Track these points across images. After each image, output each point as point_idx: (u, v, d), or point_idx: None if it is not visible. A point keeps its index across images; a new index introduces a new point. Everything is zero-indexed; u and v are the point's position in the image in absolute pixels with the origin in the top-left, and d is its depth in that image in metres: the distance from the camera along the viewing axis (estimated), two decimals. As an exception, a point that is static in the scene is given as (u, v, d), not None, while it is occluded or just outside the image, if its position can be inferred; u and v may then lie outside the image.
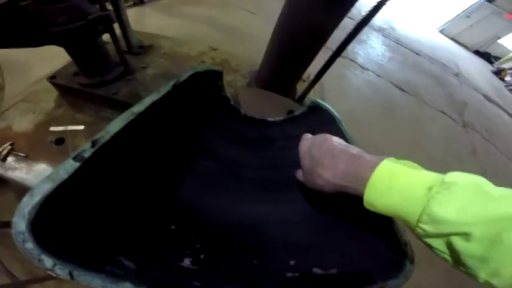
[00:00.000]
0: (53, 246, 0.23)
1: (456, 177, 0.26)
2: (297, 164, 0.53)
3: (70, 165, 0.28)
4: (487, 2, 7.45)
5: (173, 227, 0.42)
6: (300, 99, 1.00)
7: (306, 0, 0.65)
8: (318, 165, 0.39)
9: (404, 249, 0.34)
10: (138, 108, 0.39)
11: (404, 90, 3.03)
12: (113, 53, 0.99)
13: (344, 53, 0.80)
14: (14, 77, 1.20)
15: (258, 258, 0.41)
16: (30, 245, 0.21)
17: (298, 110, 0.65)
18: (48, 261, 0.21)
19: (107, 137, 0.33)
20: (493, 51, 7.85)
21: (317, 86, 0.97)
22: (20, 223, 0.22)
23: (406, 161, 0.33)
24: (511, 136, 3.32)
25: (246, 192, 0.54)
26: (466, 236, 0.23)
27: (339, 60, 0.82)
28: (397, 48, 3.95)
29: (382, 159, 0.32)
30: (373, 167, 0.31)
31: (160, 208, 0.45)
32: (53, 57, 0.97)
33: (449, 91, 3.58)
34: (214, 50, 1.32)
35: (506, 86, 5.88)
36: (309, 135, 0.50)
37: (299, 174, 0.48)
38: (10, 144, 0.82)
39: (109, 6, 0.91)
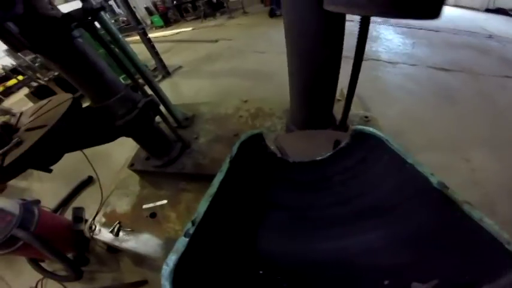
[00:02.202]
0: None
1: None
2: (360, 195, 0.56)
3: (183, 240, 0.39)
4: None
5: (261, 272, 0.50)
6: (343, 123, 1.01)
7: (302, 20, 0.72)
8: None
9: (507, 248, 0.33)
10: (212, 190, 0.51)
11: (449, 70, 2.69)
12: (166, 131, 1.19)
13: (366, 56, 0.79)
14: (101, 166, 1.54)
15: (348, 285, 0.45)
16: None
17: (344, 141, 0.67)
18: None
19: (200, 216, 0.44)
20: (502, 4, 6.64)
21: (356, 100, 0.97)
22: (166, 285, 0.33)
23: None
24: None
25: (320, 230, 0.58)
26: None
27: (364, 65, 0.81)
28: (413, 32, 3.66)
29: None
30: None
31: (249, 259, 0.53)
32: (123, 142, 1.16)
33: (496, 55, 3.04)
34: (245, 102, 1.47)
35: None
36: None
37: None
38: (118, 223, 1.09)
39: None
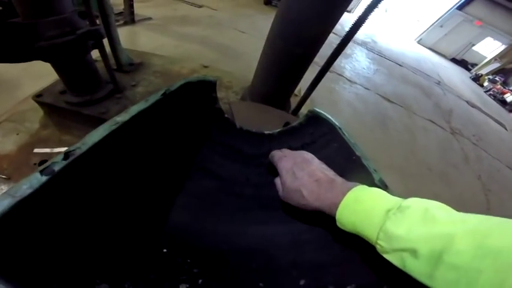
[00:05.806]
0: (9, 273, 0.19)
1: (412, 202, 0.31)
2: None
3: (36, 180, 0.23)
4: (457, 10, 7.86)
5: (165, 250, 0.38)
6: (295, 112, 0.99)
7: (297, 10, 0.67)
8: (302, 187, 0.42)
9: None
10: (123, 117, 0.34)
11: (393, 102, 3.11)
12: (102, 71, 0.97)
13: (332, 68, 0.82)
14: (3, 97, 1.16)
15: (264, 281, 0.38)
16: None
17: (296, 121, 0.62)
18: None
19: (84, 149, 0.28)
20: (469, 58, 8.25)
21: (308, 101, 0.98)
22: None
23: (374, 188, 0.37)
24: (498, 140, 3.42)
25: (251, 211, 0.50)
26: (413, 252, 0.27)
27: (327, 75, 0.83)
28: (381, 60, 4.13)
29: (352, 187, 0.37)
30: (344, 193, 0.37)
31: (151, 230, 0.41)
32: (46, 75, 0.92)
33: (435, 100, 3.71)
34: (206, 67, 1.33)
35: (485, 92, 6.10)
36: (286, 151, 0.52)
37: (280, 190, 0.49)
38: (-9, 166, 0.79)
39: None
